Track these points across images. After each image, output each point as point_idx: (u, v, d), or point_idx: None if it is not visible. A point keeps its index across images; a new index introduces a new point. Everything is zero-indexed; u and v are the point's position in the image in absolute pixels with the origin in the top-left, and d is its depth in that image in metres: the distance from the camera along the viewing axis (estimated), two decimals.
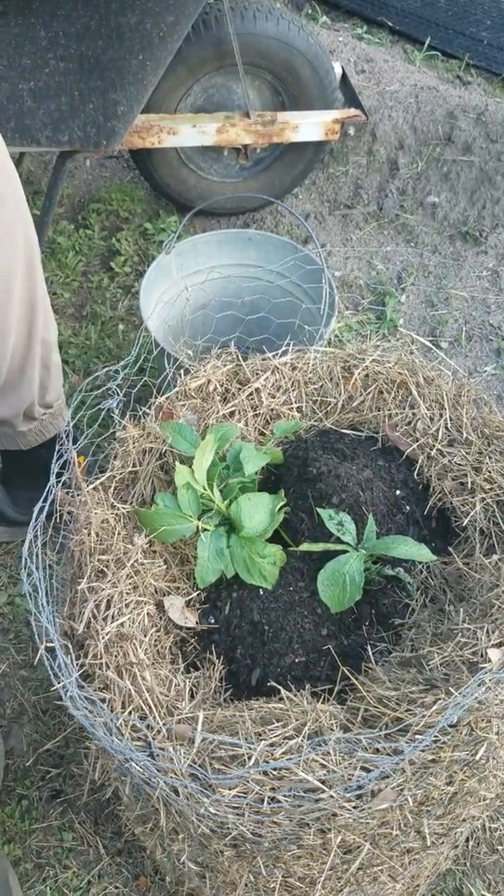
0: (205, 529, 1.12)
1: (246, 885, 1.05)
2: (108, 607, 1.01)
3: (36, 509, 1.06)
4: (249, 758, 0.88)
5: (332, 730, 0.92)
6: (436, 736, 0.88)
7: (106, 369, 1.24)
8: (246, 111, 2.14)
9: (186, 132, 2.10)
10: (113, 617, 1.00)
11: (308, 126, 2.17)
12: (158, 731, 0.92)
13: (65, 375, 1.62)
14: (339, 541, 1.13)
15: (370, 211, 2.48)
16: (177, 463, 1.13)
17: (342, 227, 2.45)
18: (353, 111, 2.22)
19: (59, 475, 1.11)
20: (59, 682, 0.93)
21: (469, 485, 1.19)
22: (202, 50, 2.04)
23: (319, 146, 2.30)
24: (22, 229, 1.25)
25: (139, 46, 1.74)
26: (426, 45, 2.91)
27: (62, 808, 1.41)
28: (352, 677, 1.00)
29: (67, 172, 2.45)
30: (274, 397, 1.30)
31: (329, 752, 0.88)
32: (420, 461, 1.24)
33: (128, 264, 2.31)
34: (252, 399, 1.30)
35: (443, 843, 1.09)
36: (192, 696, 1.01)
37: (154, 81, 1.82)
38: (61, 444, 1.11)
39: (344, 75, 2.33)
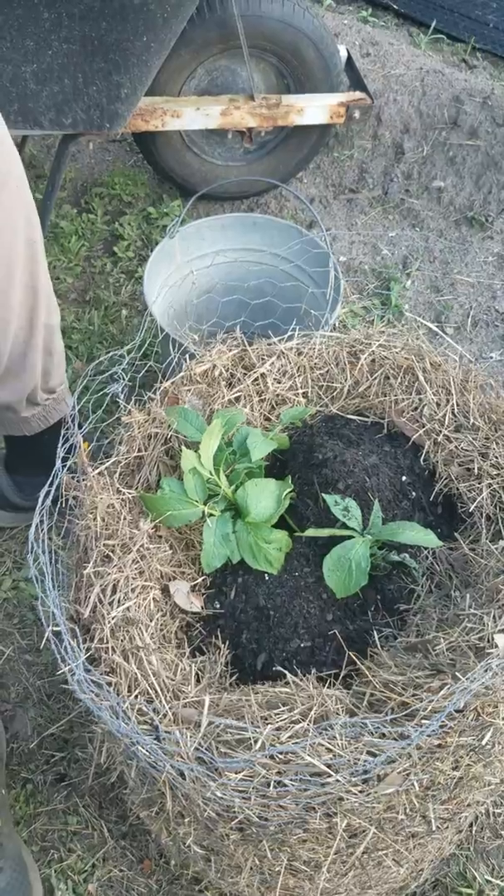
0: (211, 514, 1.12)
1: (251, 868, 1.05)
2: (113, 592, 1.01)
3: (42, 493, 1.05)
4: (256, 742, 0.88)
5: (338, 714, 0.92)
6: (442, 721, 0.88)
7: (110, 354, 1.23)
8: (250, 94, 2.12)
9: (190, 115, 2.08)
10: (119, 601, 1.00)
11: (313, 109, 2.15)
12: (164, 715, 0.92)
13: (68, 361, 1.61)
14: (344, 526, 1.13)
15: (375, 195, 2.46)
16: (183, 447, 1.13)
17: (347, 212, 2.43)
18: (358, 94, 2.20)
19: (64, 459, 1.11)
20: (65, 666, 0.93)
21: (476, 470, 1.19)
22: (206, 32, 2.02)
23: (324, 130, 2.28)
24: (23, 212, 1.23)
25: (143, 28, 1.72)
26: (431, 29, 2.89)
27: (67, 791, 1.42)
28: (358, 661, 1.00)
29: (70, 156, 2.44)
30: (279, 382, 1.29)
31: (335, 737, 0.88)
32: (426, 447, 1.23)
33: (131, 249, 2.30)
34: (257, 384, 1.29)
35: (447, 827, 1.09)
36: (197, 681, 1.01)
37: (158, 63, 1.81)
38: (66, 429, 1.11)
39: (349, 58, 2.31)
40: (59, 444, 1.11)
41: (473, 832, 1.37)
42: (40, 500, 1.05)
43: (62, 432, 1.11)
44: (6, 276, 1.24)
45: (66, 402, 1.54)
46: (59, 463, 1.09)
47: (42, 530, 1.02)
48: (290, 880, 1.07)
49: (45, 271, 1.33)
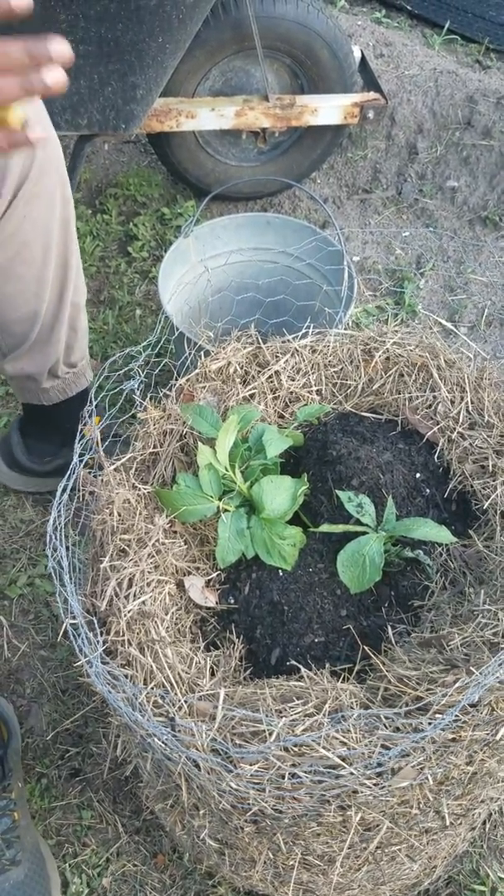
0: (225, 510, 1.12)
1: (265, 862, 1.05)
2: (129, 585, 1.02)
3: (59, 487, 1.06)
4: (271, 734, 0.89)
5: (352, 708, 0.92)
6: (456, 715, 0.88)
7: (129, 350, 1.24)
8: (265, 95, 2.13)
9: (205, 116, 2.10)
10: (135, 595, 1.01)
11: (327, 109, 2.16)
12: (180, 708, 0.93)
13: None
14: (358, 522, 1.13)
15: (389, 195, 2.47)
16: (199, 443, 1.13)
17: (360, 212, 2.44)
18: (372, 94, 2.20)
19: (80, 455, 1.12)
20: (83, 658, 0.94)
21: (490, 468, 1.19)
22: (221, 33, 2.03)
23: (338, 130, 2.29)
24: (60, 192, 1.32)
25: (159, 29, 1.73)
26: (445, 29, 2.89)
27: (81, 786, 1.43)
28: (373, 655, 1.01)
29: (85, 157, 2.45)
30: (294, 380, 1.30)
31: (349, 730, 0.88)
32: (441, 444, 1.23)
33: (145, 249, 2.31)
34: (272, 382, 1.30)
35: (461, 823, 1.09)
36: (212, 675, 1.02)
37: (173, 64, 1.82)
38: (85, 409, 1.13)
39: (363, 59, 2.32)
40: (77, 440, 1.12)
41: (487, 830, 1.37)
42: (58, 493, 1.06)
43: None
44: (43, 256, 1.33)
45: (85, 376, 1.59)
46: (75, 458, 1.11)
47: (60, 522, 1.03)
48: (304, 875, 1.07)
49: (77, 250, 1.42)
